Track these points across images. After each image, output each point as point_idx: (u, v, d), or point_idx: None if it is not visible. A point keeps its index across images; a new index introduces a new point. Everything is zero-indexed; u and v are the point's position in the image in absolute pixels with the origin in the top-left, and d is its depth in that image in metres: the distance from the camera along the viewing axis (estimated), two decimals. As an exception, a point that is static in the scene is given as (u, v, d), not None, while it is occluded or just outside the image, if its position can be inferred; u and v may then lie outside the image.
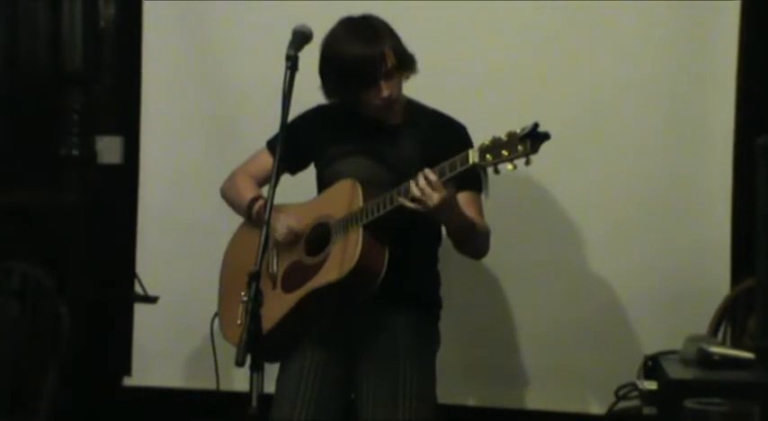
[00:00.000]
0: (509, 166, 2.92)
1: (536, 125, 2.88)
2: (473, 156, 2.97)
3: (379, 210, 3.13)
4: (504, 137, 2.92)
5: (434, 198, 3.02)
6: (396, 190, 3.11)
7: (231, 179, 3.51)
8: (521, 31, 3.98)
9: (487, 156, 2.95)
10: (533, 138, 2.87)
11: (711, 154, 3.88)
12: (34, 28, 4.46)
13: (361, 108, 3.30)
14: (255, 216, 3.35)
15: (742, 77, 3.84)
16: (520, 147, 2.89)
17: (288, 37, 3.09)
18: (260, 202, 3.34)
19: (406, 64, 3.26)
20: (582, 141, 3.85)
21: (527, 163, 2.90)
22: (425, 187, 3.03)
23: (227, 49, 4.20)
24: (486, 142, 2.96)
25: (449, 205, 3.07)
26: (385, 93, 3.22)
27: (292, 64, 3.01)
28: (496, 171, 2.96)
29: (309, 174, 3.48)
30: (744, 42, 3.84)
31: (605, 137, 3.94)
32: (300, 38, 3.08)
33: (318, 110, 3.41)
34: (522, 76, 3.97)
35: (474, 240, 3.29)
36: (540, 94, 3.92)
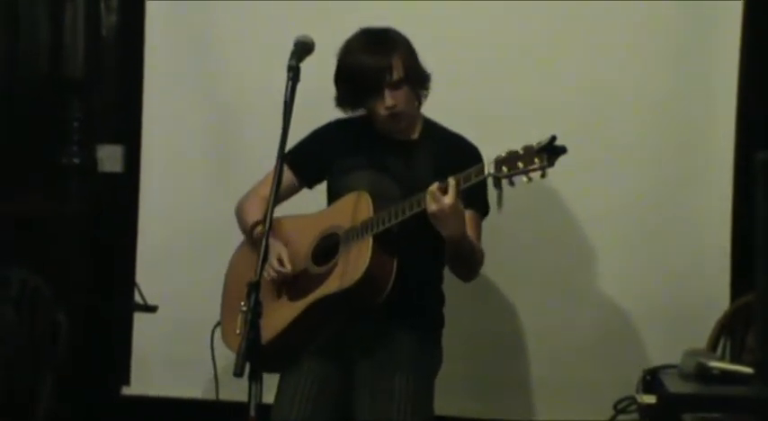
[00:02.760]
0: (524, 179, 2.90)
1: (553, 138, 2.86)
2: (488, 168, 2.96)
3: (389, 221, 3.12)
4: (520, 150, 2.90)
5: (446, 201, 2.99)
6: (407, 201, 3.10)
7: (242, 202, 3.49)
8: (519, 35, 3.98)
9: (503, 167, 2.92)
10: (550, 152, 2.86)
11: (711, 169, 3.89)
12: (35, 36, 4.46)
13: (374, 122, 3.31)
14: (256, 240, 3.33)
15: (742, 93, 3.84)
16: (536, 160, 2.87)
17: (291, 45, 3.09)
18: (259, 228, 3.30)
19: (414, 78, 3.27)
20: (579, 155, 3.83)
21: (543, 176, 2.88)
22: (437, 192, 3.00)
23: (229, 58, 4.20)
24: (502, 154, 2.94)
25: (457, 215, 3.04)
26: (389, 102, 3.22)
27: (294, 75, 3.02)
28: (511, 183, 2.93)
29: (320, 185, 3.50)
30: (745, 56, 3.84)
31: (603, 151, 3.93)
32: (302, 48, 3.09)
33: (337, 123, 3.42)
34: (522, 82, 3.97)
35: (469, 261, 3.27)
36: (540, 103, 3.92)
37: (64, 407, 3.79)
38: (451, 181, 3.01)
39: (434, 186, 3.01)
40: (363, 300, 3.16)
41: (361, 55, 3.22)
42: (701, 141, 3.90)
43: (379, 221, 3.14)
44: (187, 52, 4.26)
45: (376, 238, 3.14)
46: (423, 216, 3.07)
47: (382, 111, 3.25)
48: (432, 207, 3.02)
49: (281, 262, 3.28)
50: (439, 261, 3.37)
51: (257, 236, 3.30)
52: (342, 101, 3.34)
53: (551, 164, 2.87)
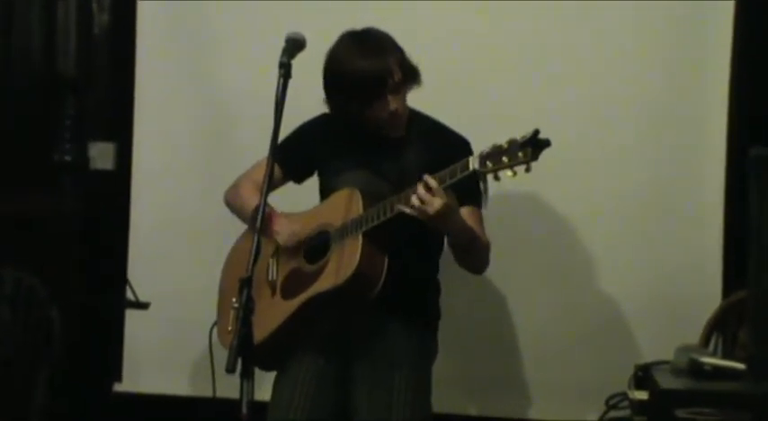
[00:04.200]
0: (509, 173, 2.91)
1: (537, 132, 2.87)
2: (473, 163, 2.97)
3: (378, 218, 3.13)
4: (504, 144, 2.92)
5: (435, 204, 3.01)
6: (396, 197, 3.11)
7: (235, 187, 3.49)
8: (515, 33, 3.97)
9: (488, 163, 2.94)
10: (534, 146, 2.87)
11: (704, 165, 3.89)
12: (28, 34, 4.46)
13: (365, 122, 3.29)
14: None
15: (735, 88, 3.85)
16: (520, 154, 2.88)
17: (282, 43, 3.09)
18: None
19: (411, 76, 3.26)
20: (573, 153, 3.84)
21: (527, 170, 2.89)
22: (425, 195, 3.02)
23: (220, 56, 4.19)
24: (487, 149, 2.96)
25: (450, 211, 3.06)
26: (392, 106, 3.22)
27: (285, 71, 3.01)
28: (497, 178, 2.95)
29: (312, 182, 3.49)
30: (737, 54, 3.84)
31: (597, 148, 3.94)
32: (293, 45, 3.08)
33: (324, 119, 3.40)
34: (519, 83, 3.97)
35: (475, 252, 3.27)
36: (537, 104, 3.91)
37: (59, 403, 3.79)
38: (432, 182, 3.01)
39: (421, 192, 3.02)
40: (356, 297, 3.17)
41: (358, 62, 3.19)
42: (694, 139, 3.90)
43: (369, 218, 3.15)
44: (179, 50, 4.26)
45: (366, 235, 3.14)
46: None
47: (383, 116, 3.25)
48: (425, 213, 3.03)
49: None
50: (432, 252, 3.38)
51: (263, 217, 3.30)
52: (338, 109, 3.32)
53: (535, 157, 2.88)
